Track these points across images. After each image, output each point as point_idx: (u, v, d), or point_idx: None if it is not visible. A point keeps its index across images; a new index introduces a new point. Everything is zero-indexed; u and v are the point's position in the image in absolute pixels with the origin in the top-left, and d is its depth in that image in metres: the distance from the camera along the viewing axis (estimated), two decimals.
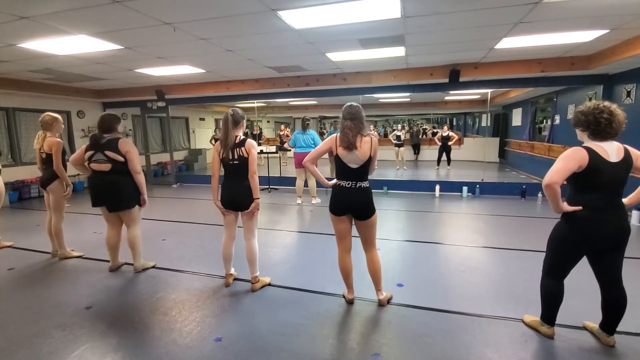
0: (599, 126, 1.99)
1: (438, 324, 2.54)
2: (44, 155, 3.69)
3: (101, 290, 3.12)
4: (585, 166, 1.96)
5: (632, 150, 2.05)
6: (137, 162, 3.27)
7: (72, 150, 8.46)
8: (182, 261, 3.76)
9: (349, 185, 2.58)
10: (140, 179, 3.31)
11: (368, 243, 2.72)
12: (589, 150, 1.98)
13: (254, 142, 2.93)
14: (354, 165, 2.55)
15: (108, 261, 3.57)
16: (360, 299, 2.88)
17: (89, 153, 3.23)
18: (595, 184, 2.00)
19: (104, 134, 3.23)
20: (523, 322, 2.51)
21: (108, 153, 3.17)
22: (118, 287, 3.18)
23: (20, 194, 7.30)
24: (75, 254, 3.90)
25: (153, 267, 3.60)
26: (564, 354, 2.19)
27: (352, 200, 2.58)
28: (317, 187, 6.84)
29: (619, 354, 2.18)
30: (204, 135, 13.62)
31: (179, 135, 12.51)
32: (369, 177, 2.67)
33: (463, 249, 4.10)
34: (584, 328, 2.43)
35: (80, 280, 3.33)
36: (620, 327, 2.38)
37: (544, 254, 2.33)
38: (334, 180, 2.69)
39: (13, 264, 3.73)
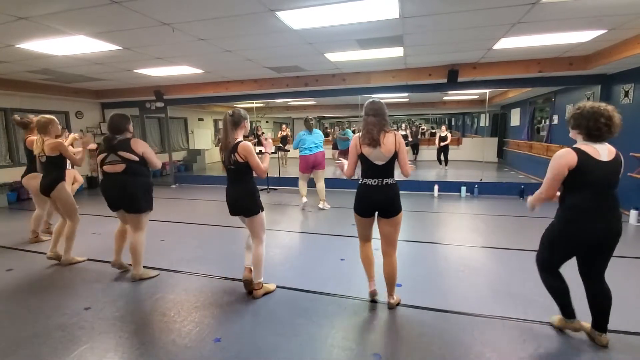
0: (600, 130, 2.00)
1: (437, 323, 2.54)
2: (43, 159, 3.58)
3: (100, 291, 3.11)
4: (574, 167, 1.99)
5: (620, 154, 2.10)
6: (155, 160, 3.26)
7: None
8: (181, 262, 3.75)
9: (375, 183, 2.55)
10: (159, 165, 3.36)
11: (389, 244, 2.67)
12: (578, 151, 2.01)
13: (249, 145, 2.71)
14: (379, 162, 2.52)
15: (107, 262, 3.57)
16: (359, 299, 2.89)
17: (102, 156, 3.13)
18: (585, 183, 2.02)
19: (115, 134, 3.14)
20: (552, 325, 2.44)
21: (122, 153, 3.08)
22: (117, 288, 3.18)
23: (18, 194, 7.28)
24: (78, 259, 3.79)
25: (154, 277, 3.38)
26: (563, 353, 2.20)
27: (379, 198, 2.55)
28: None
29: (619, 353, 2.18)
30: (202, 136, 13.61)
31: (178, 135, 12.50)
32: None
33: (462, 249, 4.10)
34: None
35: (79, 280, 3.33)
36: (620, 327, 2.40)
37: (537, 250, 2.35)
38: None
39: (12, 265, 3.72)
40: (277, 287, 3.12)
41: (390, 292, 2.76)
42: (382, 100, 2.59)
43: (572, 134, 2.16)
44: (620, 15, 3.52)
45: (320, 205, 6.19)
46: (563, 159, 2.01)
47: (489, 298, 2.90)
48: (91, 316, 2.68)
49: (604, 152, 2.02)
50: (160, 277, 3.38)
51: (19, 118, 4.21)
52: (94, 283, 3.28)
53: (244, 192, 2.81)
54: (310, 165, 6.00)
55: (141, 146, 3.16)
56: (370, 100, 2.60)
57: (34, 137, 3.95)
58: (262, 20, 3.52)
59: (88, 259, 3.83)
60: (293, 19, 3.51)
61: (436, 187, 7.36)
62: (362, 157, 2.56)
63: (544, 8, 3.28)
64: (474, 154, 12.76)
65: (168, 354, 2.21)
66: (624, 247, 4.12)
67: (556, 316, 2.44)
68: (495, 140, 13.00)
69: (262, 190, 8.11)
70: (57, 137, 3.83)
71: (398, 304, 2.82)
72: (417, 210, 6.15)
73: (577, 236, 2.08)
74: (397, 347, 2.29)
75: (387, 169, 2.55)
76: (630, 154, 5.35)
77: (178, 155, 12.13)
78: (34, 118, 4.13)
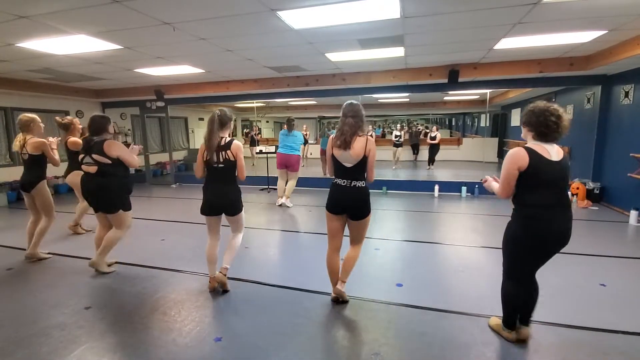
0: (548, 128, 2.02)
1: (437, 323, 2.54)
2: (25, 157, 3.61)
3: (100, 290, 3.11)
4: (526, 166, 2.00)
5: (567, 157, 2.12)
6: (130, 159, 3.26)
7: None
8: (182, 261, 3.75)
9: (344, 184, 2.59)
10: (136, 164, 3.34)
11: (356, 241, 2.75)
12: (529, 151, 2.03)
13: (241, 145, 2.82)
14: (348, 164, 2.56)
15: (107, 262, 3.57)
16: (359, 298, 2.89)
17: (81, 156, 3.23)
18: (539, 183, 2.03)
19: (94, 136, 3.22)
20: (488, 325, 2.49)
21: (94, 156, 3.15)
22: (117, 287, 3.18)
23: (18, 193, 7.27)
24: (44, 255, 3.83)
25: (107, 273, 3.42)
26: (562, 353, 2.20)
27: (347, 199, 2.59)
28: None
29: (619, 354, 2.18)
30: (202, 135, 13.59)
31: (178, 135, 12.50)
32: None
33: (462, 249, 4.10)
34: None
35: (79, 280, 3.33)
36: (621, 328, 2.40)
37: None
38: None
39: (12, 264, 3.72)
40: (278, 286, 3.13)
41: (343, 279, 2.74)
42: (359, 103, 2.62)
43: (524, 132, 2.18)
44: (620, 16, 3.52)
45: (282, 200, 6.39)
46: (513, 157, 2.03)
47: (490, 298, 2.89)
48: (91, 315, 2.68)
49: (553, 152, 2.05)
50: (160, 277, 3.37)
51: (60, 120, 4.45)
52: (94, 282, 3.28)
53: (233, 192, 2.85)
54: (283, 163, 6.28)
55: (115, 149, 3.18)
56: (349, 102, 2.63)
57: (74, 138, 4.22)
58: (263, 19, 3.52)
59: (88, 258, 3.82)
60: (294, 18, 3.51)
61: (437, 187, 7.36)
62: (332, 158, 2.62)
63: (545, 8, 3.28)
64: (474, 154, 12.75)
65: (169, 354, 2.21)
66: (622, 247, 4.15)
67: (496, 319, 2.46)
68: (495, 140, 12.99)
69: (262, 190, 8.12)
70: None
71: (345, 301, 2.80)
72: (418, 210, 6.15)
73: (537, 232, 2.06)
74: (398, 346, 2.28)
75: (356, 171, 2.58)
76: (631, 154, 5.35)
77: (178, 155, 12.13)
78: (75, 119, 4.38)
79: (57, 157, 3.73)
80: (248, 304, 2.85)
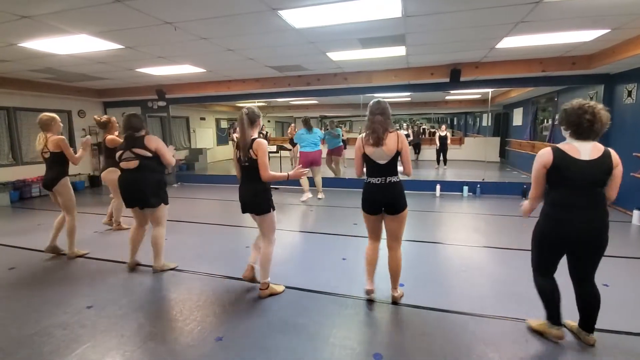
0: (581, 127, 2.00)
1: (439, 323, 2.54)
2: (47, 155, 3.66)
3: (102, 290, 3.12)
4: (551, 165, 2.04)
5: (615, 155, 2.02)
6: (169, 156, 3.29)
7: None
8: (183, 261, 3.75)
9: (379, 182, 2.60)
10: (172, 163, 3.36)
11: (394, 239, 2.73)
12: (555, 150, 2.05)
13: (263, 143, 2.73)
14: (382, 161, 2.58)
15: (109, 260, 3.58)
16: (361, 298, 2.89)
17: (119, 153, 3.24)
18: (560, 180, 2.06)
19: (135, 132, 3.24)
20: (529, 328, 2.44)
21: (135, 150, 3.18)
22: (119, 287, 3.18)
23: (21, 193, 7.31)
24: (82, 252, 3.93)
25: (174, 268, 3.52)
26: (565, 353, 2.19)
27: (384, 196, 2.60)
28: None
29: (620, 354, 2.17)
30: (204, 135, 13.62)
31: (180, 134, 12.52)
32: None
33: (464, 249, 4.09)
34: (564, 326, 2.42)
35: (81, 279, 3.34)
36: (622, 328, 2.39)
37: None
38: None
39: (14, 264, 3.73)
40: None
41: (395, 286, 2.81)
42: (386, 100, 2.63)
43: (562, 131, 2.16)
44: (623, 14, 3.51)
45: (319, 196, 6.92)
46: (540, 158, 2.10)
47: (491, 298, 2.89)
48: (93, 314, 2.69)
49: (585, 150, 2.00)
50: (162, 276, 3.38)
51: (98, 118, 4.61)
52: (95, 281, 3.28)
53: (255, 190, 2.81)
54: (310, 160, 6.58)
55: (154, 142, 3.22)
56: (376, 100, 2.64)
57: (112, 136, 4.40)
58: (264, 19, 3.52)
59: (90, 257, 3.84)
60: (295, 18, 3.51)
61: (438, 187, 7.34)
62: (365, 157, 2.62)
63: (546, 7, 3.27)
64: (476, 153, 12.73)
65: (170, 353, 2.22)
66: (625, 247, 4.14)
67: (536, 320, 2.42)
68: (497, 140, 12.96)
69: None
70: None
71: (401, 297, 2.85)
72: (419, 210, 6.13)
73: (555, 230, 2.09)
74: (399, 346, 2.28)
75: (390, 167, 2.59)
76: (634, 154, 5.32)
77: (180, 154, 12.15)
78: (112, 118, 4.57)
79: (77, 155, 3.73)
80: (249, 303, 2.85)
